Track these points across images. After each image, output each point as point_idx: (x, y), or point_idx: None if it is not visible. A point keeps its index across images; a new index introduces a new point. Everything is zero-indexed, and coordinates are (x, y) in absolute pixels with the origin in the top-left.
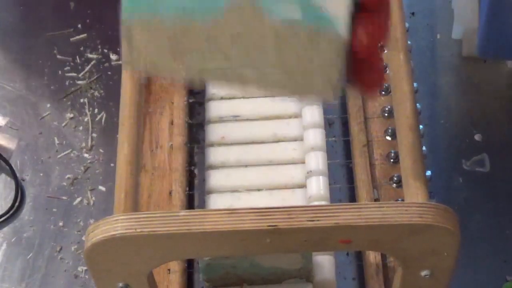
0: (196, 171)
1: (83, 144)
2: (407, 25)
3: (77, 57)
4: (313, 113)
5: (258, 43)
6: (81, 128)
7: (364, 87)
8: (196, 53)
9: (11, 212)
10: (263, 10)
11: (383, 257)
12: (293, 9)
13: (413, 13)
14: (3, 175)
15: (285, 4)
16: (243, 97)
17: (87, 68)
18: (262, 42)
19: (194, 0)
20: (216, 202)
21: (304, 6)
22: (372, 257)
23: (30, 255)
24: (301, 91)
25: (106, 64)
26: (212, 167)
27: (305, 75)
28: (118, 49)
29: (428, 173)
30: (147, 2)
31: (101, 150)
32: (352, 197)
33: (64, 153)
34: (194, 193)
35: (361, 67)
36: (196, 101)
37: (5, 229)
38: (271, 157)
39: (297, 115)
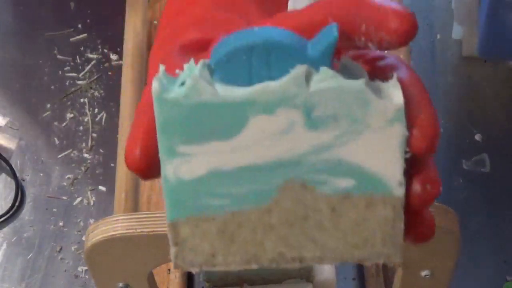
0: None
1: (83, 144)
2: None
3: (77, 57)
4: None
5: (314, 219)
6: (81, 128)
7: (417, 240)
8: (251, 244)
9: (11, 212)
10: (315, 185)
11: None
12: (345, 179)
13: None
14: (3, 175)
15: (336, 175)
16: None
17: (87, 68)
18: (317, 217)
19: (243, 190)
20: None
21: (357, 174)
22: None
23: (30, 255)
24: (361, 255)
25: (106, 64)
26: None
27: (365, 240)
28: (118, 49)
29: None
30: (193, 203)
31: (101, 150)
32: None
33: (64, 153)
34: None
35: (413, 221)
36: None
37: (5, 229)
38: None
39: None
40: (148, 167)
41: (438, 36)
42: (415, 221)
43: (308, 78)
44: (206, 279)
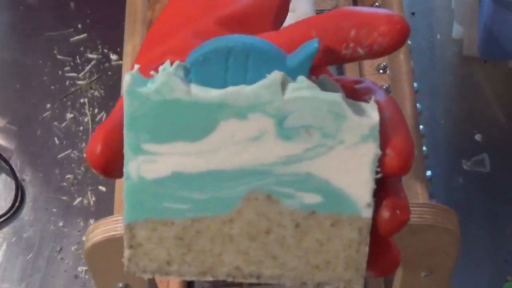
0: None
1: (83, 144)
2: None
3: (77, 57)
4: None
5: (276, 234)
6: (81, 128)
7: (380, 270)
8: (208, 254)
9: (11, 212)
10: (281, 198)
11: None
12: (313, 195)
13: (413, 13)
14: (3, 175)
15: (303, 190)
16: None
17: (87, 68)
18: (280, 233)
19: (206, 196)
20: None
21: (325, 191)
22: None
23: (30, 255)
24: (322, 277)
25: (106, 64)
26: None
27: (327, 261)
28: (118, 49)
29: (428, 173)
30: (153, 205)
31: None
32: None
33: (64, 153)
34: None
35: (378, 249)
36: None
37: (5, 229)
38: None
39: None
40: (108, 164)
41: (438, 36)
42: (379, 250)
43: (283, 85)
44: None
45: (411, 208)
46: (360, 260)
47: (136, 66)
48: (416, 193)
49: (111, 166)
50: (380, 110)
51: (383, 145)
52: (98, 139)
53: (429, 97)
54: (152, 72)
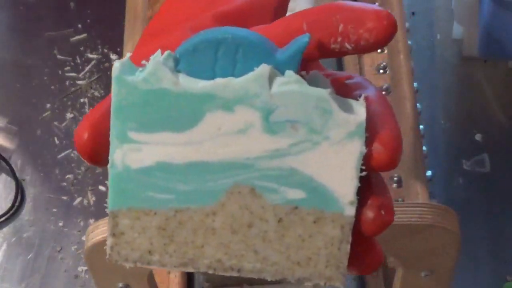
0: None
1: None
2: (407, 25)
3: (77, 57)
4: None
5: (258, 228)
6: None
7: (361, 269)
8: (190, 246)
9: (11, 212)
10: (264, 192)
11: (383, 257)
12: (296, 190)
13: (413, 13)
14: (3, 175)
15: (287, 185)
16: None
17: (87, 68)
18: (263, 227)
19: (190, 187)
20: None
21: (308, 187)
22: None
23: (30, 255)
24: (303, 273)
25: (106, 64)
26: None
27: (308, 258)
28: (118, 49)
29: (428, 173)
30: (137, 194)
31: None
32: None
33: (64, 153)
34: None
35: (360, 248)
36: None
37: (5, 229)
38: None
39: None
40: (94, 151)
41: (438, 36)
42: (361, 249)
43: (271, 79)
44: (206, 279)
45: (411, 208)
46: (341, 258)
47: (128, 54)
48: (416, 193)
49: (97, 153)
50: (370, 105)
51: (370, 139)
52: (85, 126)
53: (429, 97)
54: (143, 62)
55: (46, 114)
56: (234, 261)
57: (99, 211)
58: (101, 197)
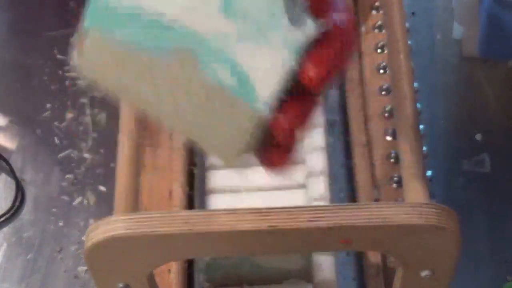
0: (196, 171)
1: (83, 144)
2: (407, 25)
3: None
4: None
5: (190, 97)
6: (81, 128)
7: (268, 163)
8: (134, 84)
9: (11, 212)
10: (204, 67)
11: (384, 257)
12: (230, 77)
13: (413, 13)
14: (3, 175)
15: (224, 68)
16: None
17: None
18: (193, 98)
19: (146, 35)
20: (216, 202)
21: (240, 77)
22: (373, 257)
23: (30, 255)
24: (209, 148)
25: None
26: (213, 167)
27: (216, 135)
28: None
29: (429, 173)
30: (105, 20)
31: (101, 150)
32: (352, 197)
33: (64, 153)
34: (194, 193)
35: (271, 145)
36: None
37: (5, 229)
38: None
39: None
40: None
41: (438, 36)
42: (273, 146)
43: None
44: (206, 279)
45: (410, 209)
46: (241, 147)
47: None
48: (416, 193)
49: None
50: (330, 32)
51: (309, 57)
52: None
53: (429, 97)
54: None
55: (46, 114)
56: (169, 101)
57: (99, 211)
58: (101, 197)
